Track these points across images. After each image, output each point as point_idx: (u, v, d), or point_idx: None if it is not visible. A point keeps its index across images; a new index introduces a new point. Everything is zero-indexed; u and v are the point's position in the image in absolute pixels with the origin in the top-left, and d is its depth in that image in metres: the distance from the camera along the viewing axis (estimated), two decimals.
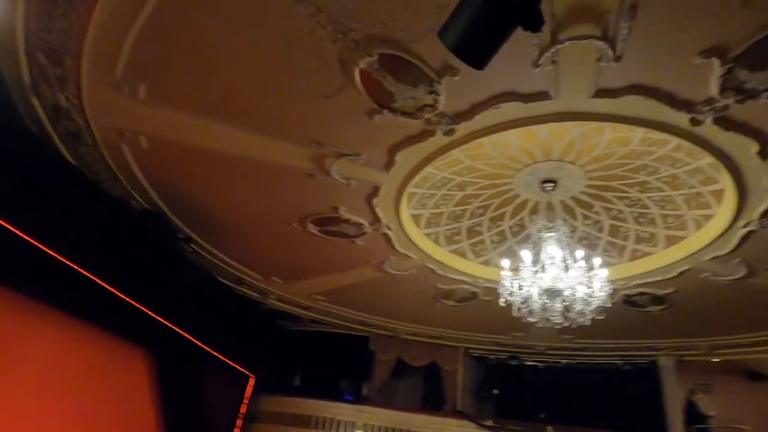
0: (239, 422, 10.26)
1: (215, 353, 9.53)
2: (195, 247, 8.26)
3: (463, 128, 5.11)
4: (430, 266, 8.13)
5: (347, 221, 7.09)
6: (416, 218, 7.31)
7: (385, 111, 4.92)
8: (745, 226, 6.03)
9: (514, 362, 11.45)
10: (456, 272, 8.25)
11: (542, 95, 4.64)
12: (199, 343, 9.05)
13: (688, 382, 10.23)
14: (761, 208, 5.67)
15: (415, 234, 7.46)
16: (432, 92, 4.67)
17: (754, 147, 4.83)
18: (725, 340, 9.29)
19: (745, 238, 6.26)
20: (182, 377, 8.88)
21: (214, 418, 9.49)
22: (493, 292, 7.30)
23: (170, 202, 7.13)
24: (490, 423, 10.36)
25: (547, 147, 5.88)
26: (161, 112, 5.26)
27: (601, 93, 4.54)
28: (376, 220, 6.98)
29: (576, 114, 4.87)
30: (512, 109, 4.81)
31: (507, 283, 6.12)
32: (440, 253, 7.94)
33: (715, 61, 4.02)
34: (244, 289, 9.81)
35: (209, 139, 5.62)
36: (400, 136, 5.34)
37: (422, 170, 5.95)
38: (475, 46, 2.44)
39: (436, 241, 7.81)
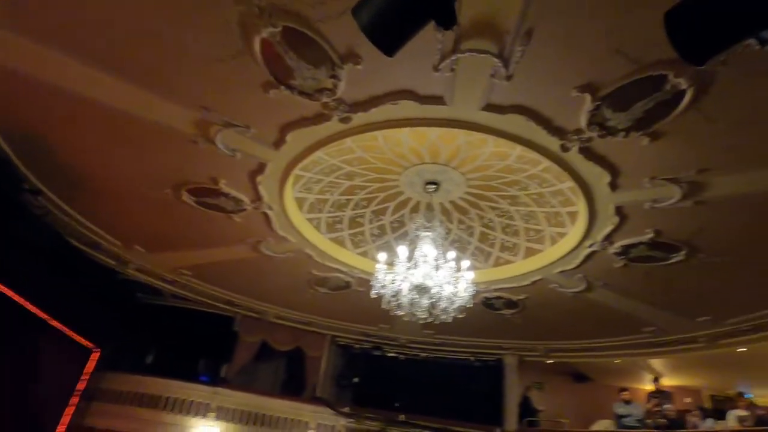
0: (74, 399, 9.29)
1: (53, 322, 8.51)
2: (44, 202, 7.29)
3: (359, 118, 5.12)
4: (308, 252, 8.07)
5: (227, 195, 6.74)
6: (300, 202, 7.20)
7: (282, 87, 4.75)
8: (590, 246, 6.85)
9: (377, 353, 11.83)
10: (333, 260, 8.28)
11: (438, 99, 4.81)
12: (33, 309, 8.01)
13: (525, 380, 11.42)
14: (604, 232, 6.47)
15: (297, 217, 7.34)
16: (333, 76, 4.61)
17: (606, 178, 5.48)
18: (560, 344, 10.49)
19: (588, 257, 7.11)
20: (7, 345, 7.79)
21: (42, 393, 8.46)
22: (367, 283, 7.46)
23: (18, 146, 6.20)
24: (346, 410, 10.60)
25: (435, 150, 6.12)
26: (17, 39, 4.54)
27: (490, 107, 4.84)
28: (257, 198, 6.74)
29: (466, 123, 5.13)
30: (408, 108, 4.93)
31: (381, 276, 6.28)
32: (320, 240, 7.91)
33: (588, 97, 4.48)
34: (99, 255, 8.89)
35: (78, 83, 4.97)
36: (295, 115, 5.20)
37: (313, 154, 5.86)
38: (387, 30, 2.44)
39: (317, 228, 7.77)
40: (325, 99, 4.88)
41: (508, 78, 4.40)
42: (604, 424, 9.79)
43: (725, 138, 4.69)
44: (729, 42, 1.09)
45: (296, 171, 6.25)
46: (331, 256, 8.17)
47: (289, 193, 6.80)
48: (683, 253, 6.51)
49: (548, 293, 8.28)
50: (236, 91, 4.94)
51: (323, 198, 7.24)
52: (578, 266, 7.37)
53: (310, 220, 7.59)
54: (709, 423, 9.19)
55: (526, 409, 10.96)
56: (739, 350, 9.22)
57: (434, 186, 6.72)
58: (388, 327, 10.76)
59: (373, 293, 6.35)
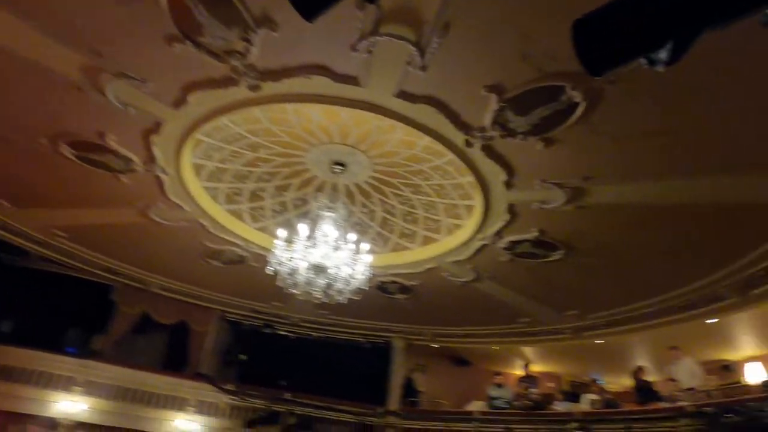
0: None
1: None
2: None
3: (269, 87, 4.92)
4: (203, 222, 7.67)
5: (114, 153, 6.17)
6: (198, 168, 6.80)
7: (189, 43, 4.41)
8: (481, 239, 7.25)
9: (267, 330, 11.64)
10: (229, 233, 7.95)
11: (353, 80, 4.77)
12: None
13: (410, 363, 11.90)
14: (495, 227, 6.89)
15: (194, 185, 6.93)
16: (246, 40, 4.37)
17: (503, 176, 5.82)
18: (446, 330, 11.07)
19: (479, 250, 7.53)
20: None
21: None
22: (263, 259, 7.28)
23: None
24: (230, 387, 10.33)
25: (345, 131, 6.08)
26: None
27: (403, 95, 4.89)
28: (150, 159, 6.25)
29: (378, 107, 5.14)
30: (322, 84, 4.83)
31: (279, 253, 6.16)
32: (216, 211, 7.55)
33: (494, 97, 4.70)
34: None
35: None
36: (200, 75, 4.86)
37: (216, 119, 5.54)
38: None
39: (215, 198, 7.40)
40: (234, 62, 4.62)
41: (423, 68, 4.47)
42: (478, 405, 10.52)
43: (607, 151, 5.18)
44: (628, 57, 1.19)
45: (197, 135, 5.88)
46: (227, 229, 7.84)
47: (187, 158, 6.39)
48: (561, 252, 7.13)
49: (439, 281, 8.66)
50: (135, 39, 4.50)
51: (224, 167, 6.90)
52: (469, 258, 7.78)
53: (207, 189, 7.20)
54: (565, 405, 10.26)
55: (409, 390, 11.46)
56: (597, 342, 10.37)
57: (341, 167, 6.68)
58: (280, 305, 10.61)
59: (269, 270, 6.21)
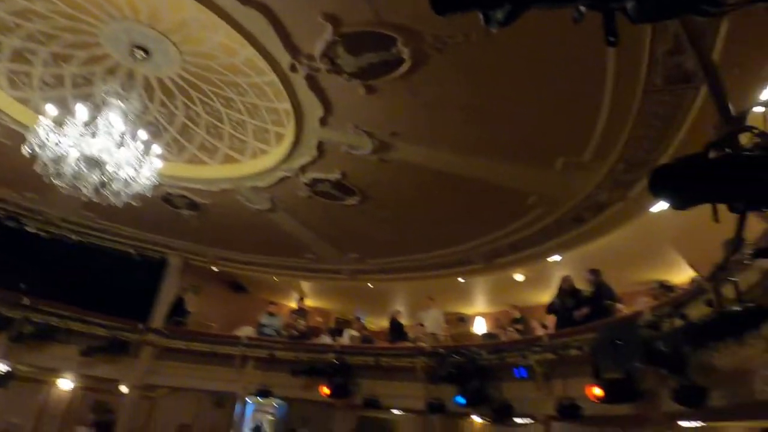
0: None
1: None
2: None
3: None
4: None
5: None
6: None
7: None
8: (285, 171, 7.17)
9: (10, 224, 9.74)
10: None
11: None
12: None
13: (184, 282, 11.37)
14: (301, 162, 6.87)
15: None
16: None
17: (319, 112, 5.77)
18: (229, 254, 10.82)
19: (280, 180, 7.44)
20: None
21: None
22: (19, 137, 5.99)
23: None
24: None
25: (156, 12, 5.23)
26: None
27: None
28: None
29: None
30: None
31: (42, 133, 5.11)
32: None
33: (329, 28, 4.56)
34: None
35: None
36: None
37: None
38: None
39: None
40: None
41: None
42: (247, 330, 10.68)
43: (418, 113, 5.54)
44: (470, 5, 1.25)
45: None
46: None
47: None
48: (357, 198, 7.51)
49: (233, 204, 8.35)
50: None
51: None
52: (269, 186, 7.65)
53: None
54: (328, 339, 11.14)
55: (177, 310, 10.99)
56: (369, 285, 11.40)
57: (144, 54, 5.78)
58: (35, 197, 8.97)
59: (26, 150, 5.13)
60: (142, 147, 5.65)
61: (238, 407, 10.19)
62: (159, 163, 5.89)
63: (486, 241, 8.26)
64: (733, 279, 3.76)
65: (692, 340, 4.35)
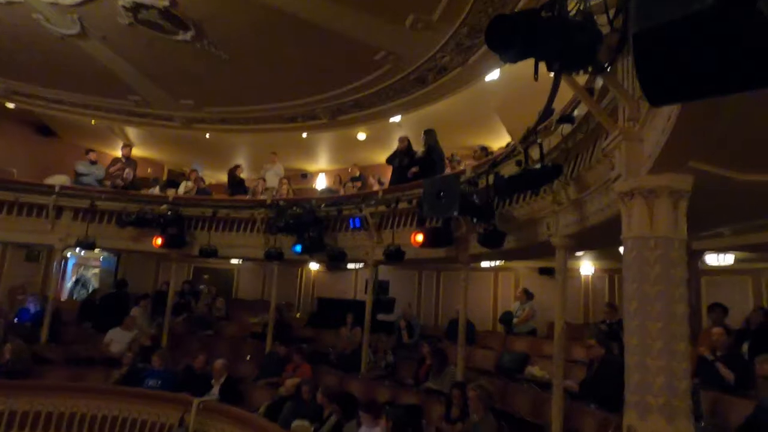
0: None
1: None
2: None
3: None
4: None
5: None
6: None
7: None
8: None
9: None
10: None
11: None
12: None
13: None
14: None
15: None
16: None
17: None
18: (29, 88, 9.00)
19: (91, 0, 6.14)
20: None
21: None
22: None
23: None
24: None
25: None
26: None
27: None
28: None
29: None
30: None
31: None
32: None
33: None
34: None
35: None
36: None
37: None
38: None
39: None
40: None
41: None
42: (60, 179, 9.46)
43: None
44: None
45: None
46: None
47: None
48: (190, 33, 6.61)
49: (29, 24, 6.74)
50: None
51: None
52: (77, 5, 6.28)
53: None
54: (157, 191, 10.50)
55: None
56: (205, 136, 10.71)
57: None
58: None
59: None
60: None
61: (55, 263, 9.37)
62: None
63: (331, 95, 8.12)
64: (539, 142, 4.30)
65: (500, 193, 5.03)
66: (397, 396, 6.45)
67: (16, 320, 8.97)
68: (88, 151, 10.31)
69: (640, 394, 2.46)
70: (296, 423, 5.81)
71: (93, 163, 10.00)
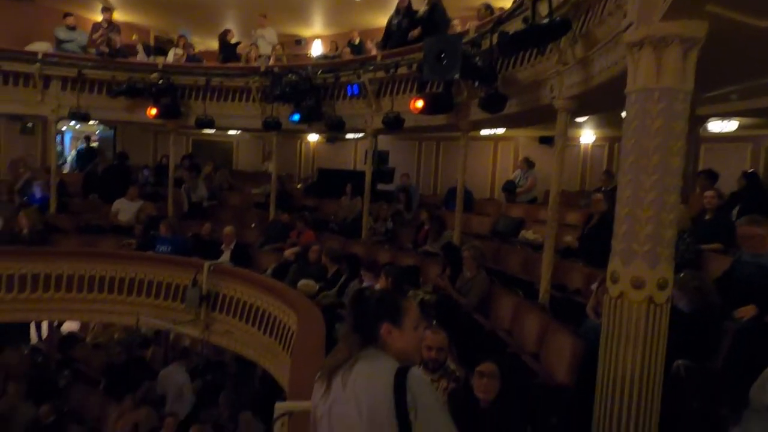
0: None
1: None
2: None
3: None
4: None
5: None
6: None
7: None
8: None
9: None
10: None
11: None
12: None
13: None
14: None
15: None
16: None
17: None
18: None
19: None
20: None
21: None
22: None
23: None
24: None
25: None
26: None
27: None
28: None
29: None
30: None
31: None
32: None
33: None
34: None
35: None
36: None
37: None
38: None
39: None
40: None
41: None
42: (42, 46, 8.95)
43: None
44: None
45: None
46: None
47: None
48: None
49: None
50: None
51: None
52: None
53: None
54: (147, 57, 10.01)
55: None
56: None
57: None
58: None
59: None
60: None
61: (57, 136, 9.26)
62: None
63: None
64: None
65: (504, 51, 4.80)
66: (397, 258, 6.80)
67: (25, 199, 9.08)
68: (66, 15, 9.62)
69: (627, 242, 2.57)
70: (302, 282, 6.19)
71: (72, 28, 9.39)
